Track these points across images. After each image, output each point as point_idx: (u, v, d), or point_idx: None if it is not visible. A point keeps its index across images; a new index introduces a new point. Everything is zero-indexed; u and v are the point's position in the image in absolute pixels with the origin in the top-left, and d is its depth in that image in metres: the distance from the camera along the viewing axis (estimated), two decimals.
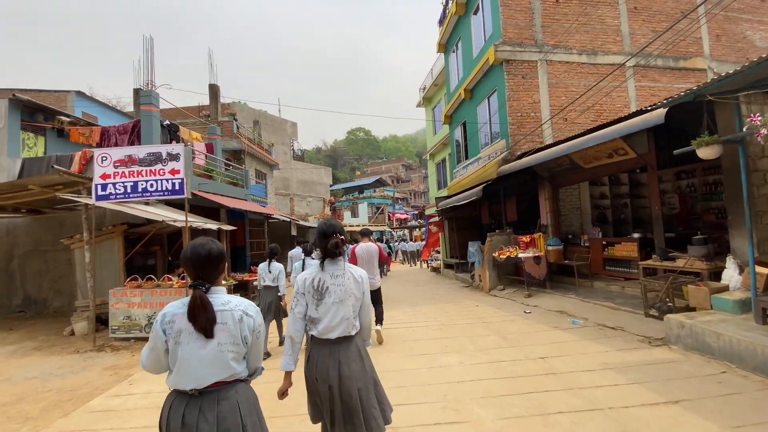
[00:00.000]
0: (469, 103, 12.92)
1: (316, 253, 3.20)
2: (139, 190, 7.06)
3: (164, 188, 7.05)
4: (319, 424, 2.20)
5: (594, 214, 10.34)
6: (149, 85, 10.35)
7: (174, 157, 7.10)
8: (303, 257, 5.76)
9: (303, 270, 5.33)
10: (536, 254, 8.46)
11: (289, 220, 16.92)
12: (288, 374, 2.12)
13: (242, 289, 11.42)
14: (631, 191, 10.61)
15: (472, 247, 10.43)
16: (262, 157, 20.26)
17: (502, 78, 10.41)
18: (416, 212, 49.10)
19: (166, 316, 1.61)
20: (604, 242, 8.81)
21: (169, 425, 1.57)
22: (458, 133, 14.58)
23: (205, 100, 18.90)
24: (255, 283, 11.63)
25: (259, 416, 1.72)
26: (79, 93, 18.73)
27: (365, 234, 6.08)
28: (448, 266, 14.92)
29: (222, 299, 1.66)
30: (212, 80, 18.32)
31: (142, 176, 7.08)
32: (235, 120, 17.97)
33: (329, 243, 2.15)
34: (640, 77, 11.37)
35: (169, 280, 7.30)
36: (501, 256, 9.00)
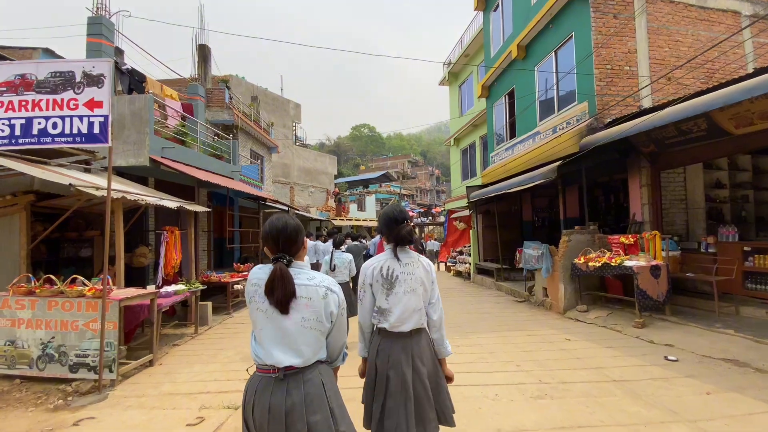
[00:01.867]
0: (522, 63, 10.06)
1: (385, 239, 2.07)
2: (35, 131, 4.22)
3: (75, 130, 4.20)
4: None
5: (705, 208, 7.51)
6: (100, 10, 7.47)
7: (94, 80, 4.26)
8: (332, 250, 5.07)
9: (332, 263, 4.93)
10: (652, 263, 5.61)
11: (287, 208, 14.09)
12: (364, 359, 2.05)
13: (220, 292, 8.57)
14: (753, 180, 7.78)
15: (535, 251, 7.58)
16: (259, 136, 17.34)
17: (587, 17, 7.54)
18: (422, 210, 46.55)
19: (252, 279, 1.58)
20: (746, 248, 5.98)
21: (254, 409, 1.49)
22: (501, 106, 11.72)
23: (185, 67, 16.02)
24: (238, 286, 8.82)
25: (339, 396, 1.63)
26: (47, 50, 15.91)
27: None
28: (482, 271, 12.06)
29: (308, 275, 1.60)
30: (202, 40, 15.47)
31: (41, 110, 4.24)
32: (228, 88, 15.07)
33: (403, 230, 1.96)
34: (757, 31, 8.53)
35: (83, 284, 4.45)
36: (591, 264, 6.16)
